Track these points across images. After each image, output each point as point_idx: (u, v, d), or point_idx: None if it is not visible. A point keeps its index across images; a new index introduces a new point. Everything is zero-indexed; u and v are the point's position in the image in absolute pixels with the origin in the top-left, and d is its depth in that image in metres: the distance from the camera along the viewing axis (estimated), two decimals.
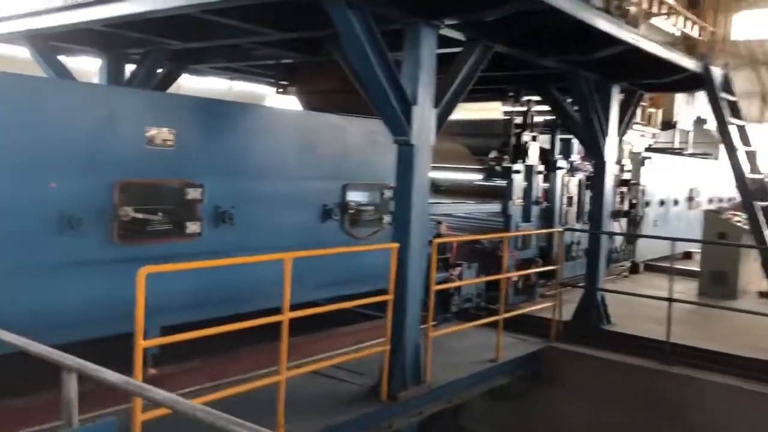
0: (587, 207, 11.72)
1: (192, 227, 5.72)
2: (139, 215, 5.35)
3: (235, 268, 6.09)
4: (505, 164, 9.92)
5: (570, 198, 11.29)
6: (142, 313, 4.08)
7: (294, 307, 6.43)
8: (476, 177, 10.28)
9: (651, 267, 13.98)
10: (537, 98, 10.16)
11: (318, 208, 6.92)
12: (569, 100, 9.16)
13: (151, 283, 5.71)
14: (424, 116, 5.81)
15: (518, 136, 10.06)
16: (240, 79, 10.56)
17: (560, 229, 9.65)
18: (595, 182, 9.18)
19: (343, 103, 9.22)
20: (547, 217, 10.83)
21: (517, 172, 10.03)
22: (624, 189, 12.78)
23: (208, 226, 5.84)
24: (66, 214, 4.91)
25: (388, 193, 7.64)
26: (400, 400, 5.80)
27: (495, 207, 9.84)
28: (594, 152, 8.93)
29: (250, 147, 6.21)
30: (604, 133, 8.71)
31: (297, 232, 6.71)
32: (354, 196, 7.26)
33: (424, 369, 6.16)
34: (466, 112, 10.13)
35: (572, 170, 11.28)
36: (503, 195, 10.02)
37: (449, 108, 6.15)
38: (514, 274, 9.29)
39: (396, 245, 5.79)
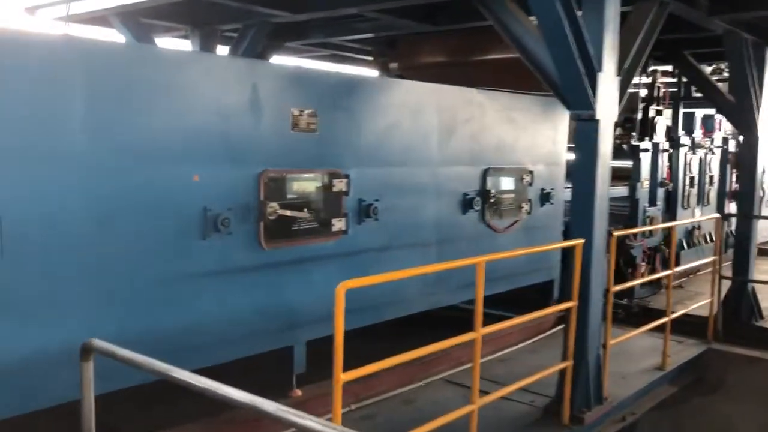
0: (707, 188, 10.69)
1: (338, 224, 4.89)
2: (286, 212, 4.53)
3: (373, 273, 5.28)
4: (633, 142, 8.92)
5: (692, 178, 10.22)
6: (342, 339, 3.26)
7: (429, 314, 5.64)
8: None
9: (762, 251, 12.83)
10: (664, 68, 9.13)
11: (458, 198, 6.04)
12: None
13: (291, 292, 4.94)
14: (608, 85, 4.87)
15: (645, 110, 9.05)
16: (333, 61, 9.71)
17: (716, 216, 8.56)
18: (745, 161, 8.10)
19: (452, 77, 8.32)
20: (669, 200, 9.80)
21: (645, 150, 9.02)
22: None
23: (352, 222, 5.01)
24: (211, 213, 4.11)
25: (527, 179, 6.72)
26: (586, 422, 4.92)
27: (621, 190, 8.82)
28: (744, 127, 7.85)
29: (392, 130, 5.34)
30: (758, 105, 7.63)
31: (437, 225, 5.84)
32: (494, 183, 6.35)
33: (603, 384, 5.27)
34: None
35: (694, 147, 10.19)
36: (629, 177, 9.02)
37: (629, 76, 5.19)
38: (679, 269, 8.28)
39: (580, 242, 4.87)
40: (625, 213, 9.03)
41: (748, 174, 7.96)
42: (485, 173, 6.25)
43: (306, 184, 4.71)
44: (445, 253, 5.92)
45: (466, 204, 6.08)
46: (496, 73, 8.03)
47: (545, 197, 7.01)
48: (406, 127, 5.46)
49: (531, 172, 6.77)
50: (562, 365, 4.89)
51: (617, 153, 8.97)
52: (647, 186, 9.11)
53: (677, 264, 10.00)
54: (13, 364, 3.34)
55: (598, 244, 5.01)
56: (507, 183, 6.51)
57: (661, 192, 9.46)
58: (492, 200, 6.30)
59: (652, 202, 9.29)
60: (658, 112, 9.14)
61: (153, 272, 3.90)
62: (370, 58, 9.09)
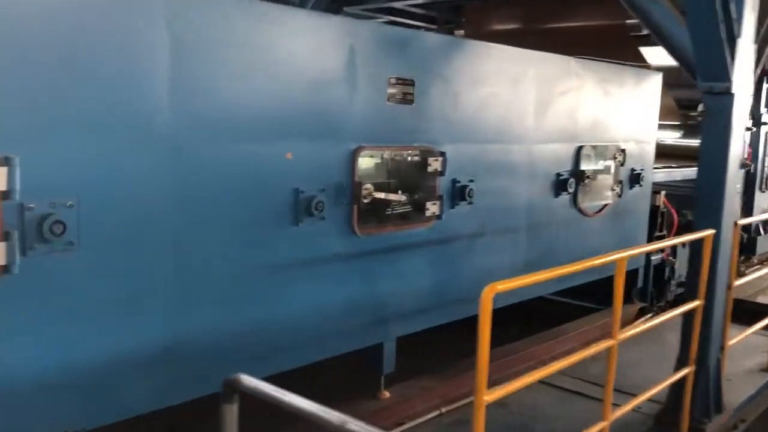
0: None
1: (432, 208, 4.34)
2: (381, 195, 3.99)
3: (464, 262, 4.75)
4: None
5: None
6: (487, 353, 2.74)
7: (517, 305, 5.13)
8: (675, 135, 8.64)
9: None
10: None
11: (551, 179, 5.45)
12: None
13: (382, 283, 4.42)
14: (746, 54, 4.24)
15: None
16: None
17: None
18: None
19: (522, 46, 7.69)
20: (747, 182, 9.13)
21: None
22: None
23: (446, 205, 4.46)
24: (304, 196, 3.58)
25: (619, 158, 6.12)
26: None
27: (688, 171, 8.13)
28: None
29: (488, 101, 4.75)
30: None
31: (528, 209, 5.27)
32: (587, 163, 5.75)
33: (722, 391, 4.72)
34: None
35: None
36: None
37: (765, 44, 4.54)
38: None
39: (709, 233, 4.29)
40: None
41: None
42: (579, 152, 5.66)
43: (401, 162, 4.16)
44: (536, 240, 5.37)
45: (560, 186, 5.50)
46: (569, 41, 7.38)
47: (635, 178, 6.40)
48: (503, 98, 4.87)
49: (623, 151, 6.15)
50: (683, 372, 4.34)
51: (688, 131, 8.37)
52: None
53: (753, 251, 9.42)
54: (87, 371, 2.86)
55: (727, 235, 4.43)
56: (600, 163, 5.91)
57: (741, 173, 8.79)
58: (585, 182, 5.71)
59: None
60: None
61: (240, 263, 3.39)
62: (434, 26, 8.45)
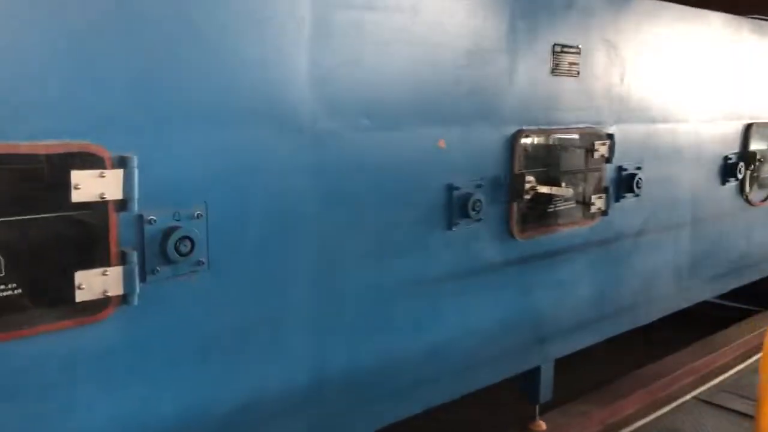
0: None
1: (597, 202, 3.60)
2: (545, 189, 3.28)
3: (628, 265, 3.99)
4: None
5: None
6: None
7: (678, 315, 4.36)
8: None
9: None
10: None
11: (717, 164, 4.60)
12: None
13: (541, 295, 3.73)
14: None
15: None
16: None
17: None
18: None
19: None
20: None
21: None
22: None
23: (611, 198, 3.71)
24: (460, 193, 2.92)
25: None
26: None
27: None
28: None
29: (656, 72, 3.95)
30: None
31: (693, 200, 4.45)
32: (757, 143, 4.86)
33: None
34: None
35: None
36: None
37: None
38: None
39: None
40: None
41: None
42: (748, 131, 4.77)
43: (565, 148, 3.44)
44: (701, 235, 4.54)
45: (728, 171, 4.64)
46: None
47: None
48: (672, 68, 4.06)
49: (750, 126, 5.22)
50: None
51: None
52: None
53: None
54: (220, 420, 2.29)
55: None
56: None
57: None
58: (755, 166, 4.83)
59: None
60: None
61: (389, 278, 2.76)
62: None
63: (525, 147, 3.19)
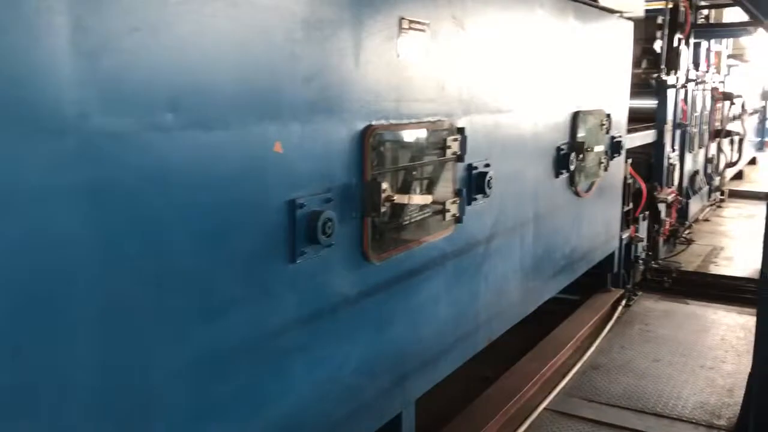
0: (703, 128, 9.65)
1: (452, 208, 3.04)
2: (404, 199, 2.64)
3: (481, 276, 3.53)
4: (662, 76, 7.53)
5: (697, 118, 9.09)
6: None
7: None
8: None
9: (734, 193, 12.22)
10: None
11: (552, 155, 4.33)
12: None
13: (398, 326, 3.06)
14: None
15: (670, 38, 7.66)
16: None
17: None
18: None
19: None
20: (682, 143, 8.62)
21: (673, 86, 7.69)
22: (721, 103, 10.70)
23: (464, 203, 3.18)
24: (305, 212, 2.16)
25: (606, 125, 5.12)
26: None
27: (647, 134, 7.41)
28: None
29: (502, 52, 3.50)
30: None
31: (534, 196, 4.13)
32: (583, 132, 4.69)
33: None
34: None
35: (697, 83, 9.03)
36: (652, 119, 7.67)
37: None
38: None
39: None
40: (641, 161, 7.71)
41: None
42: (575, 119, 4.56)
43: (418, 146, 2.82)
44: (541, 233, 4.24)
45: (560, 162, 4.39)
46: None
47: (616, 147, 5.45)
48: (512, 52, 3.64)
49: (608, 116, 5.16)
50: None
51: (642, 90, 7.63)
52: (669, 129, 7.83)
53: (686, 216, 8.97)
54: None
55: None
56: (593, 131, 4.87)
57: (677, 135, 8.24)
58: (582, 156, 4.65)
59: (673, 146, 8.05)
60: (681, 41, 7.80)
61: (213, 343, 1.92)
62: None
63: (377, 147, 2.51)
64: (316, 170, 2.25)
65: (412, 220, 2.79)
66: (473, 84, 3.21)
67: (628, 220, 6.33)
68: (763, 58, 15.68)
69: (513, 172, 3.75)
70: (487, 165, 3.37)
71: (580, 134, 4.61)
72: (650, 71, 7.60)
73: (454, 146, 3.00)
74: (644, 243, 6.68)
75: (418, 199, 2.70)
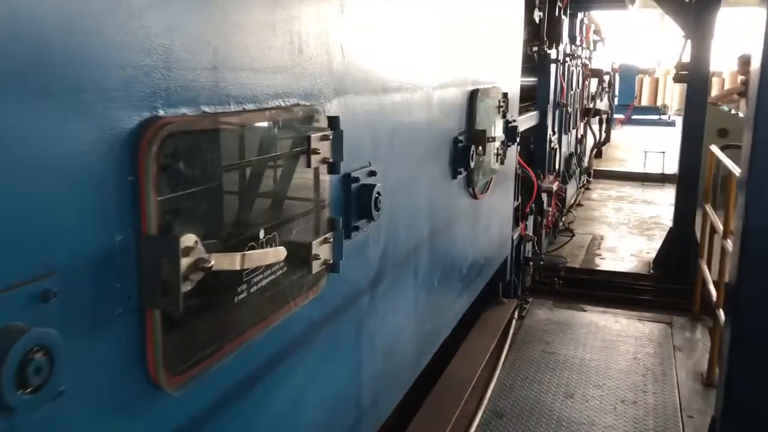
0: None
1: (323, 252, 1.81)
2: (226, 261, 1.36)
3: (364, 343, 2.35)
4: (540, 50, 6.69)
5: (572, 96, 8.47)
6: None
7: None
8: None
9: (598, 173, 11.99)
10: None
11: (448, 147, 3.21)
12: None
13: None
14: None
15: (551, 7, 6.84)
16: None
17: None
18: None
19: None
20: (561, 124, 7.94)
21: (556, 61, 6.90)
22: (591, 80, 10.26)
23: (341, 238, 1.96)
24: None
25: (503, 106, 4.10)
26: None
27: (531, 116, 6.57)
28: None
29: (385, 13, 2.29)
30: None
31: (429, 206, 2.99)
32: (482, 117, 3.62)
33: None
34: None
35: (574, 58, 8.39)
36: (533, 97, 6.85)
37: None
38: None
39: None
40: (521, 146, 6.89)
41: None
42: (473, 100, 3.48)
43: (264, 152, 1.57)
44: (437, 256, 3.13)
45: (459, 158, 3.29)
46: None
47: (512, 134, 4.46)
48: (396, 8, 2.45)
49: (506, 95, 4.15)
50: None
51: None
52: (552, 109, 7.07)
53: (564, 203, 8.35)
54: None
55: None
56: (490, 115, 3.81)
57: (556, 115, 7.52)
58: (483, 148, 3.58)
59: (553, 128, 7.31)
60: (561, 11, 7.02)
61: None
62: None
63: (170, 162, 1.23)
64: (22, 230, 0.94)
65: (253, 291, 1.53)
66: (351, 45, 1.99)
67: (517, 216, 5.44)
68: (618, 35, 15.72)
69: (404, 178, 2.59)
70: (373, 173, 2.18)
71: (479, 120, 3.54)
72: (531, 44, 6.75)
73: (323, 149, 1.77)
74: (533, 239, 5.84)
75: (259, 257, 1.45)
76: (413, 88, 2.62)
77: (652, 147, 13.74)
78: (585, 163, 10.57)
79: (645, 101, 27.02)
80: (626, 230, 8.31)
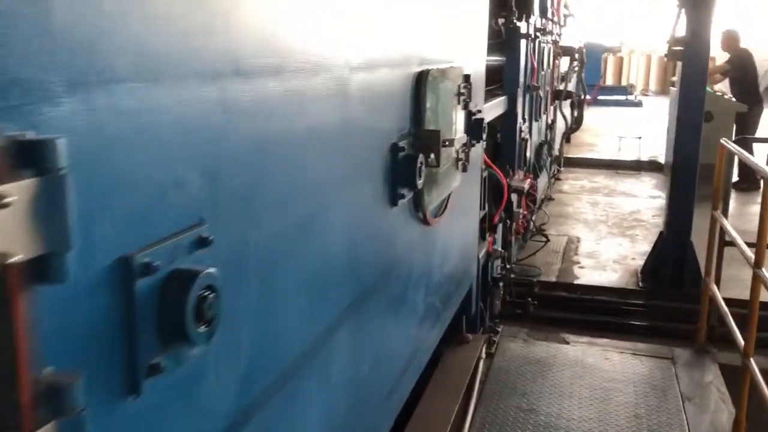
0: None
1: None
2: None
3: None
4: (509, 23, 5.61)
5: (543, 77, 7.43)
6: None
7: None
8: None
9: (568, 161, 11.03)
10: None
11: (384, 160, 2.09)
12: None
13: None
14: None
15: None
16: None
17: None
18: None
19: None
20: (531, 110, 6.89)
21: (527, 36, 5.84)
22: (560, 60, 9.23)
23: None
24: None
25: (464, 93, 3.00)
26: None
27: (499, 103, 5.48)
28: None
29: None
30: None
31: (351, 252, 1.87)
32: (437, 109, 2.51)
33: None
34: None
35: (546, 34, 7.34)
36: (499, 80, 5.79)
37: None
38: None
39: None
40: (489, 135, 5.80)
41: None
42: (420, 85, 2.36)
43: None
44: (371, 328, 2.04)
45: (401, 174, 2.17)
46: None
47: (476, 128, 3.37)
48: None
49: (467, 78, 3.05)
50: None
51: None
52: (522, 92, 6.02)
53: (535, 200, 7.33)
54: None
55: None
56: (446, 106, 2.71)
57: (527, 99, 6.47)
58: (436, 156, 2.47)
59: (523, 115, 6.26)
60: None
61: None
62: None
63: None
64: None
65: None
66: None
67: (484, 228, 4.38)
68: (584, 12, 14.81)
69: (292, 228, 1.48)
70: (203, 243, 1.07)
71: (431, 115, 2.43)
72: (497, 15, 5.66)
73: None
74: (504, 254, 4.80)
75: None
76: (310, 68, 1.50)
77: (625, 130, 12.86)
78: (556, 152, 9.58)
79: (610, 81, 26.31)
80: (605, 230, 7.34)
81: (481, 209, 4.20)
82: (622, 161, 11.08)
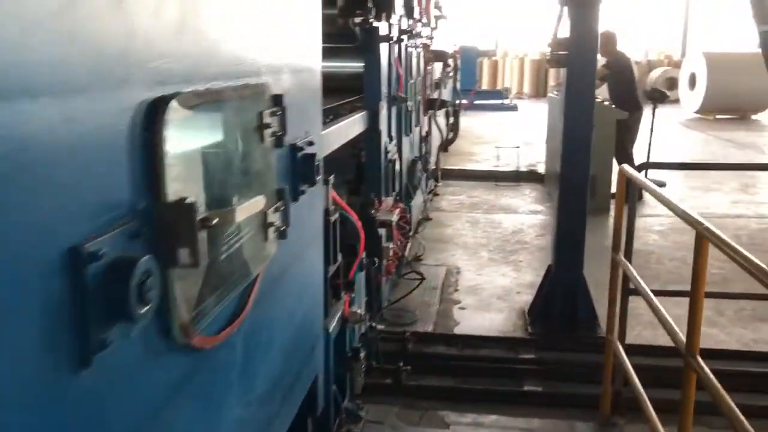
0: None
1: None
2: None
3: None
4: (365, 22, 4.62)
5: (413, 85, 6.57)
6: None
7: None
8: None
9: (446, 173, 10.31)
10: None
11: (51, 281, 1.01)
12: None
13: None
14: None
15: None
16: None
17: None
18: None
19: None
20: (400, 124, 5.98)
21: (388, 38, 4.90)
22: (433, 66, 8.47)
23: None
24: None
25: (273, 124, 1.95)
26: None
27: (353, 122, 4.46)
28: None
29: None
30: None
31: None
32: (211, 166, 1.44)
33: None
34: None
35: (413, 37, 6.49)
36: (359, 89, 4.83)
37: None
38: None
39: None
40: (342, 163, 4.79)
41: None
42: (153, 123, 1.29)
43: None
44: None
45: (102, 309, 1.09)
46: None
47: (306, 170, 2.35)
48: None
49: (278, 100, 2.01)
50: None
51: (342, 45, 4.74)
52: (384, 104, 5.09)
53: (410, 226, 6.42)
54: None
55: None
56: (235, 143, 1.65)
57: (393, 112, 5.56)
58: (190, 249, 1.39)
59: (389, 132, 5.34)
60: None
61: None
62: None
63: None
64: None
65: None
66: None
67: (336, 286, 3.36)
68: (457, 14, 14.26)
69: None
70: None
71: (187, 173, 1.37)
72: (352, 15, 4.66)
73: None
74: (365, 316, 3.81)
75: None
76: None
77: (502, 137, 12.36)
78: (432, 165, 8.80)
79: (485, 85, 26.30)
80: (486, 255, 6.57)
81: (331, 264, 3.19)
82: (501, 172, 10.51)
